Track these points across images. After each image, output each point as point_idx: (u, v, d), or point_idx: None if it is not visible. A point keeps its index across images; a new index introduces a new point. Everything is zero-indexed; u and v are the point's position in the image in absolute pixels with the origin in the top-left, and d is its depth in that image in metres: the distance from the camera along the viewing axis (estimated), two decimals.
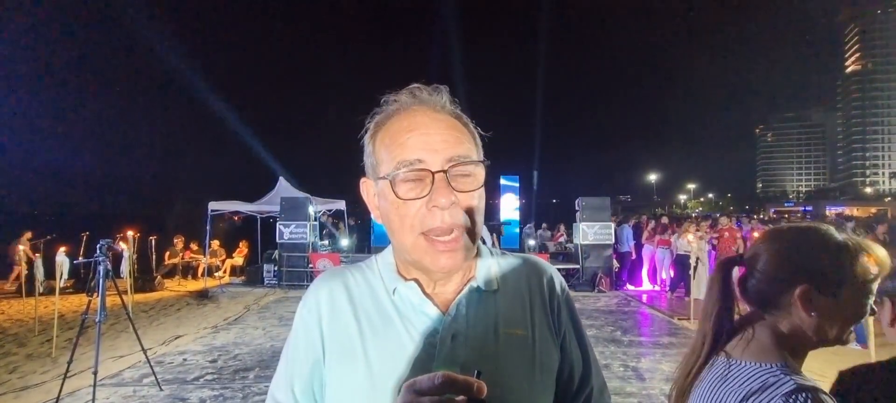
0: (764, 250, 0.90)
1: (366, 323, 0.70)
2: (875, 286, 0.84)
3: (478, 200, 0.68)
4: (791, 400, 0.72)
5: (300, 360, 0.72)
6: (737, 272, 0.93)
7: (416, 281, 0.71)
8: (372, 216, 0.75)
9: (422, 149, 0.65)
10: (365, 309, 0.72)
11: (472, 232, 0.67)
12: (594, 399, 0.80)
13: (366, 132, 0.73)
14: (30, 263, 9.14)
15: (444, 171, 0.64)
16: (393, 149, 0.67)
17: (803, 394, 0.73)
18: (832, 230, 0.87)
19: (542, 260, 0.83)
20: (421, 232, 0.65)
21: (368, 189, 0.75)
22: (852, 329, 0.86)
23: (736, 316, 0.92)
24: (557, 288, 0.80)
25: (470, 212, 0.67)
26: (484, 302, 0.73)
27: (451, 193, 0.64)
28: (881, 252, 0.85)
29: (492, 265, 0.77)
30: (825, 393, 0.76)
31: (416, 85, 0.71)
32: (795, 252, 0.87)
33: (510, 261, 0.81)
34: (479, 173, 0.68)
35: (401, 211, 0.66)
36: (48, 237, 9.44)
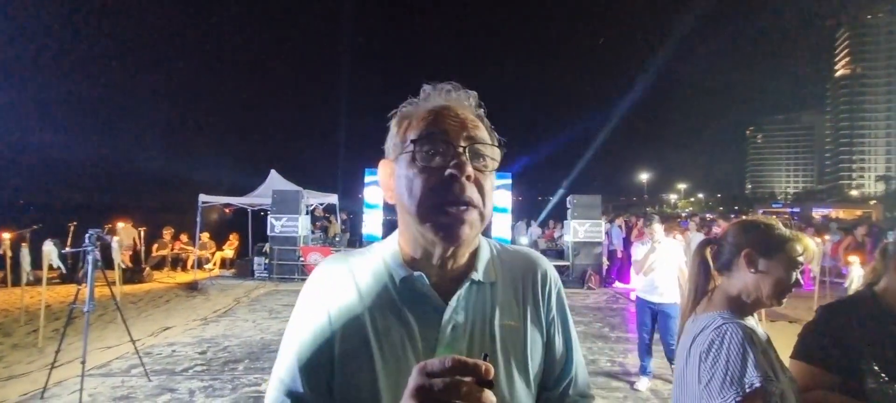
0: (730, 231, 1.29)
1: (371, 308, 0.72)
2: (799, 265, 1.17)
3: (490, 184, 0.73)
4: (718, 331, 1.09)
5: (307, 342, 0.72)
6: (711, 250, 1.31)
7: (421, 272, 0.73)
8: (384, 197, 0.78)
9: (443, 124, 0.71)
10: (370, 295, 0.73)
11: (481, 213, 0.71)
12: (573, 389, 0.83)
13: (394, 116, 0.77)
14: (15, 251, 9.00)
15: (464, 147, 0.69)
16: (416, 125, 0.72)
17: (726, 325, 1.10)
18: (778, 222, 1.25)
19: (539, 255, 0.88)
20: (434, 202, 0.68)
21: (386, 168, 0.77)
22: (786, 294, 1.18)
23: (711, 286, 1.29)
24: (550, 282, 0.84)
25: (482, 192, 0.70)
26: (482, 294, 0.76)
27: (468, 165, 0.68)
28: (809, 242, 1.20)
29: (491, 258, 0.81)
30: (746, 325, 1.11)
31: (450, 84, 0.76)
32: (749, 228, 1.25)
33: (508, 254, 0.85)
34: (495, 158, 0.74)
35: (417, 180, 0.69)
36: (35, 227, 9.31)
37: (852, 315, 1.34)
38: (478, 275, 0.76)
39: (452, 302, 0.73)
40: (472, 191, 0.68)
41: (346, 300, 0.73)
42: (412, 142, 0.70)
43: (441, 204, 0.67)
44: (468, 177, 0.67)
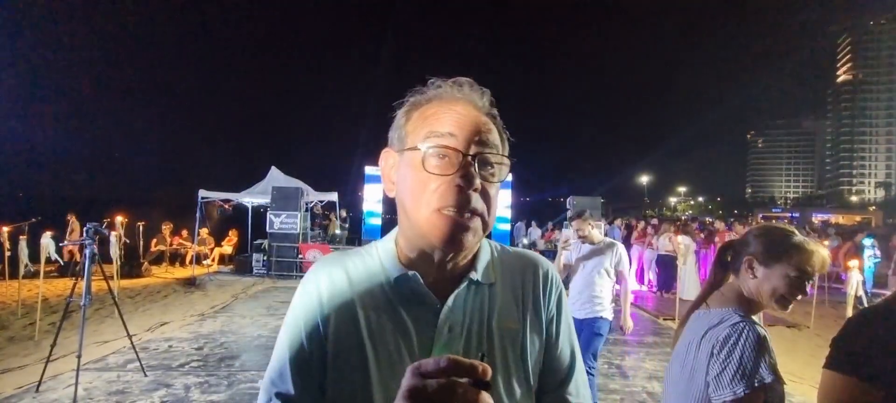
0: (746, 235, 1.31)
1: (366, 308, 0.71)
2: (806, 275, 1.19)
3: (495, 190, 0.71)
4: (734, 327, 1.14)
5: (299, 344, 0.71)
6: (730, 252, 1.34)
7: (417, 272, 0.72)
8: (384, 188, 0.75)
9: (455, 127, 0.68)
10: (365, 295, 0.72)
11: (485, 222, 0.69)
12: (574, 395, 0.81)
13: (401, 105, 0.75)
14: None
15: (473, 156, 0.67)
16: (425, 122, 0.70)
17: (743, 324, 1.14)
18: (794, 230, 1.26)
19: (541, 257, 0.86)
20: (438, 207, 0.66)
21: (389, 159, 0.75)
22: (788, 302, 1.22)
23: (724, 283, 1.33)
24: (551, 283, 0.82)
25: (488, 202, 0.68)
26: (481, 294, 0.74)
27: (476, 177, 0.66)
28: (818, 255, 1.20)
29: (491, 259, 0.79)
30: (761, 327, 1.14)
31: (463, 78, 0.73)
32: (759, 235, 1.28)
33: (508, 255, 0.83)
34: (504, 167, 0.71)
35: (423, 183, 0.67)
36: (33, 220, 9.31)
37: (893, 323, 1.18)
38: (477, 275, 0.74)
39: (449, 302, 0.71)
40: (476, 201, 0.66)
41: (339, 300, 0.72)
42: (420, 140, 0.68)
43: (443, 211, 0.66)
44: (475, 189, 0.66)
